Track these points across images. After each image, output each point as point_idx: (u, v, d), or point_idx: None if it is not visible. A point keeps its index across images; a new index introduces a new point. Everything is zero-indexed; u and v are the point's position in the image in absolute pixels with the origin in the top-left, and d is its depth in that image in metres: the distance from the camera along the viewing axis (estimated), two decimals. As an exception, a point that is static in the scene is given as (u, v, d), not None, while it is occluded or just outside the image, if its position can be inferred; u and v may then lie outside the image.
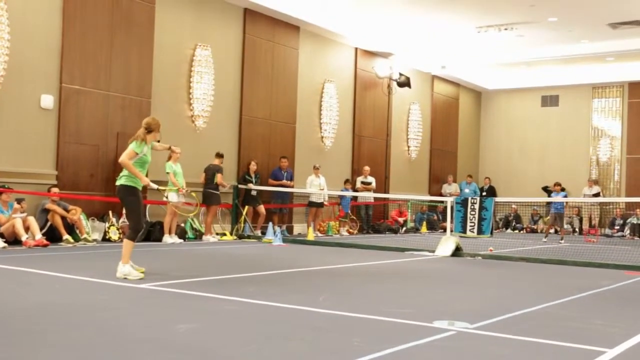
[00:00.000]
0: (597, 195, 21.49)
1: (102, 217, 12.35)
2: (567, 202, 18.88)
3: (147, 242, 12.24)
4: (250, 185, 14.73)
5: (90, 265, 8.64)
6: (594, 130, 23.36)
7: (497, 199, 14.83)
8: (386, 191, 19.71)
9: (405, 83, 19.89)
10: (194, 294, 6.36)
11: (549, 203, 18.39)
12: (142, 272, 7.37)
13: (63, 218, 11.22)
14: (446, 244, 11.87)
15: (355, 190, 18.01)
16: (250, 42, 15.57)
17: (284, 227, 15.87)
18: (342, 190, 17.24)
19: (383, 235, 17.86)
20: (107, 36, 12.68)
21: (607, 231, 21.01)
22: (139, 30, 13.21)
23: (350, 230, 17.66)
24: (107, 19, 12.67)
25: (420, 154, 21.92)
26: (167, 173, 12.47)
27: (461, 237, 12.38)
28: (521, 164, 24.55)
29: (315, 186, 16.16)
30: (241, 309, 5.76)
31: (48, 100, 11.79)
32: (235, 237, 14.22)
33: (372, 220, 18.54)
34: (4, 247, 10.07)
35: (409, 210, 20.07)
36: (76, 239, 11.30)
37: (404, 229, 19.16)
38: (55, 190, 11.41)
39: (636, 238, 19.72)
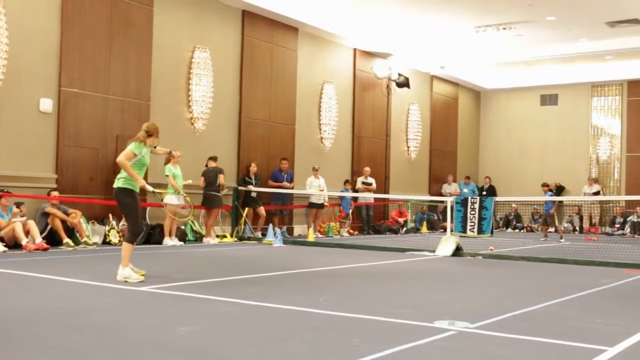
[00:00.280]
0: (597, 193, 21.49)
1: (102, 220, 12.35)
2: (557, 201, 18.89)
3: (148, 244, 12.24)
4: (250, 187, 14.73)
5: (91, 268, 8.64)
6: (594, 129, 23.36)
7: (497, 199, 14.83)
8: (386, 192, 19.71)
9: (404, 83, 19.90)
10: (195, 296, 6.36)
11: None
12: (142, 275, 7.37)
13: (63, 222, 11.23)
14: (446, 243, 11.87)
15: (355, 190, 18.02)
16: (248, 43, 15.57)
17: (284, 228, 15.88)
18: (342, 191, 17.24)
19: (383, 235, 17.86)
20: (105, 39, 12.69)
21: (608, 229, 21.01)
22: (138, 33, 13.22)
23: (351, 231, 17.66)
24: (105, 22, 12.67)
25: (420, 154, 21.93)
26: (167, 176, 12.47)
27: (461, 236, 12.38)
28: (521, 163, 24.55)
29: (315, 187, 16.17)
30: (241, 310, 5.76)
31: (47, 104, 11.79)
32: (235, 239, 14.22)
33: (372, 220, 18.54)
34: (4, 251, 10.06)
35: (409, 211, 20.07)
36: (76, 242, 11.30)
37: (404, 229, 19.16)
38: (55, 193, 11.42)
39: (636, 236, 19.72)
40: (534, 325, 5.33)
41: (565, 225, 22.06)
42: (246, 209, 14.71)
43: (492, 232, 12.44)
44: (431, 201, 20.55)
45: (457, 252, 11.74)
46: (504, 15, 16.69)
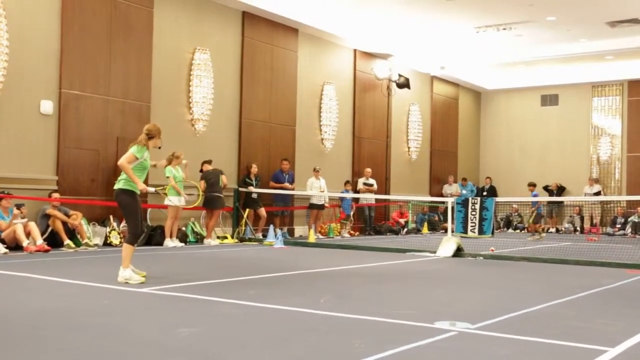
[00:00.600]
0: (598, 194, 21.48)
1: (103, 222, 12.35)
2: (541, 201, 19.02)
3: (148, 246, 12.25)
4: (251, 188, 14.73)
5: (92, 270, 8.64)
6: (594, 129, 23.35)
7: (498, 199, 14.83)
8: (387, 192, 19.71)
9: (404, 84, 19.90)
10: (195, 298, 6.36)
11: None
12: (143, 277, 7.38)
13: (64, 223, 11.23)
14: (447, 244, 11.87)
15: (356, 191, 18.02)
16: (249, 45, 15.58)
17: (285, 229, 15.88)
18: (342, 192, 17.24)
19: (384, 236, 17.86)
20: (105, 41, 12.70)
21: (609, 230, 20.99)
22: (138, 35, 13.23)
23: (352, 232, 17.66)
24: (105, 24, 12.68)
25: (420, 155, 21.93)
26: (167, 177, 12.48)
27: (462, 237, 12.37)
28: (522, 163, 24.55)
29: (316, 188, 16.17)
30: (242, 311, 5.76)
31: (47, 106, 11.80)
32: (236, 240, 14.22)
33: (373, 221, 18.54)
34: (5, 253, 10.07)
35: (410, 211, 20.06)
36: (77, 244, 11.30)
37: (405, 230, 19.15)
38: (55, 195, 11.42)
39: (637, 236, 19.70)
40: (535, 326, 5.33)
41: (567, 225, 22.06)
42: (247, 210, 14.72)
43: (493, 233, 12.43)
44: (432, 202, 20.55)
45: (458, 252, 11.73)
46: (504, 16, 16.69)
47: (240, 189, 14.79)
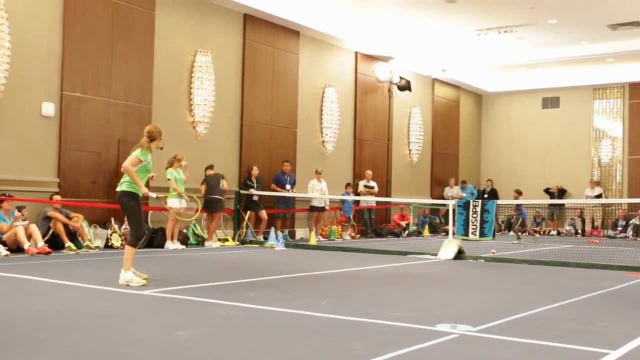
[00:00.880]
0: (599, 196, 21.47)
1: (104, 224, 12.36)
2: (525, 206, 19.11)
3: (150, 248, 12.25)
4: (252, 191, 14.73)
5: (93, 272, 8.64)
6: (595, 132, 23.35)
7: (499, 202, 14.82)
8: (388, 195, 19.70)
9: (405, 86, 19.89)
10: (196, 300, 6.36)
11: (518, 206, 18.61)
12: (144, 279, 7.38)
13: (65, 225, 11.23)
14: (448, 247, 11.86)
15: (357, 194, 18.02)
16: (250, 47, 15.60)
17: (286, 232, 15.87)
18: (343, 195, 17.24)
19: (385, 239, 17.85)
20: (107, 43, 12.71)
21: (610, 232, 20.98)
22: (139, 37, 13.24)
23: (353, 235, 17.65)
24: (107, 27, 12.70)
25: (421, 157, 21.92)
26: (168, 179, 12.48)
27: (463, 240, 12.37)
28: (523, 166, 24.54)
29: (317, 191, 16.16)
30: (243, 314, 5.76)
31: (49, 108, 11.81)
32: (237, 243, 14.22)
33: (374, 224, 18.53)
34: (6, 255, 10.07)
35: (411, 214, 20.06)
36: (78, 246, 11.31)
37: (406, 232, 19.15)
38: (57, 197, 11.42)
39: (639, 239, 19.69)
40: (536, 329, 5.32)
41: (568, 228, 22.04)
42: (248, 212, 14.72)
43: (494, 235, 12.43)
44: (433, 204, 20.54)
45: (459, 255, 11.73)
46: (505, 19, 16.70)
47: (242, 191, 14.79)
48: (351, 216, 17.60)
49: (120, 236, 12.11)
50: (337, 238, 16.84)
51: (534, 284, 8.53)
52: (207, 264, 10.26)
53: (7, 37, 11.07)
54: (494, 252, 12.42)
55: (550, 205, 21.98)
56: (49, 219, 11.22)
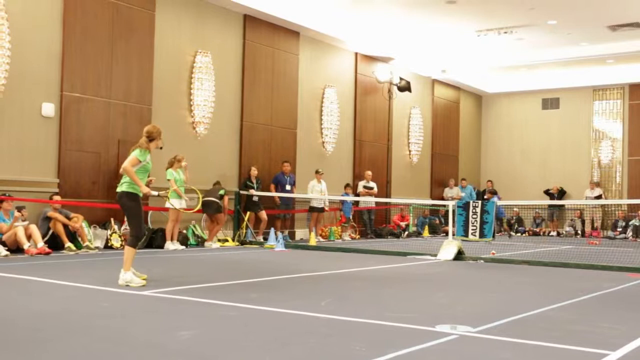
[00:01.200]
0: (599, 197, 21.47)
1: (104, 225, 12.36)
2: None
3: (149, 248, 12.25)
4: (252, 191, 14.74)
5: (92, 272, 8.64)
6: (595, 133, 23.35)
7: (499, 202, 14.81)
8: (388, 195, 19.71)
9: (405, 87, 19.90)
10: (196, 301, 6.36)
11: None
12: (144, 279, 7.38)
13: (65, 226, 11.23)
14: (448, 247, 11.86)
15: (357, 194, 18.02)
16: (250, 48, 15.60)
17: (286, 232, 15.87)
18: (342, 195, 17.24)
19: (385, 239, 17.85)
20: (107, 44, 12.72)
21: (610, 233, 20.98)
22: (139, 38, 13.25)
23: (353, 235, 17.65)
24: (107, 27, 12.70)
25: (421, 158, 21.93)
26: (168, 180, 12.49)
27: (463, 240, 12.37)
28: (523, 167, 24.55)
29: (317, 191, 16.16)
30: (243, 314, 5.76)
31: (49, 108, 11.81)
32: (237, 243, 14.22)
33: (374, 224, 18.54)
34: (6, 255, 10.08)
35: (411, 215, 20.06)
36: (78, 246, 11.31)
37: (406, 233, 19.15)
38: (57, 198, 11.43)
39: (638, 240, 19.69)
40: (536, 330, 5.32)
41: (567, 229, 22.05)
42: (248, 213, 14.72)
43: (493, 236, 12.43)
44: (433, 205, 20.54)
45: (459, 256, 11.73)
46: (505, 19, 16.70)
47: (242, 192, 14.79)
48: (350, 217, 17.60)
49: (120, 237, 12.11)
50: (337, 239, 16.84)
51: (534, 285, 8.53)
52: (206, 264, 10.26)
53: (7, 38, 11.08)
54: (493, 253, 12.42)
55: (550, 206, 21.99)
56: (48, 219, 11.22)
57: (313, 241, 14.82)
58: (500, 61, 20.95)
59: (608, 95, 23.13)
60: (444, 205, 17.81)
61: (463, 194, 21.60)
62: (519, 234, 22.22)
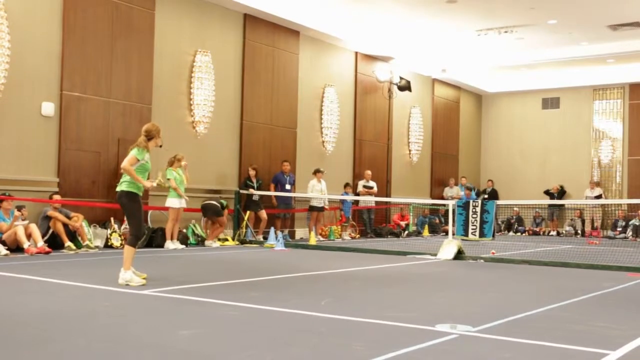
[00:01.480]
0: (599, 197, 21.47)
1: (104, 224, 12.36)
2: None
3: (149, 248, 12.25)
4: (252, 191, 14.73)
5: (92, 272, 8.64)
6: (595, 132, 23.35)
7: (499, 202, 14.81)
8: (388, 195, 19.70)
9: (405, 87, 19.89)
10: (196, 300, 6.36)
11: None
12: (144, 279, 7.38)
13: (65, 225, 11.23)
14: (448, 247, 11.86)
15: (357, 194, 18.01)
16: (250, 47, 15.59)
17: (286, 231, 15.87)
18: (342, 195, 17.23)
19: (385, 239, 17.85)
20: (107, 43, 12.71)
21: (610, 233, 20.99)
22: (139, 37, 13.24)
23: (353, 235, 17.65)
24: (107, 26, 12.70)
25: (421, 158, 21.93)
26: (168, 179, 12.49)
27: (463, 240, 12.36)
28: (523, 166, 24.55)
29: (317, 191, 16.15)
30: (243, 314, 5.76)
31: (49, 108, 11.81)
32: (237, 243, 14.22)
33: (374, 224, 18.53)
34: (6, 255, 10.08)
35: (411, 214, 20.06)
36: (78, 246, 11.31)
37: (406, 232, 19.15)
38: (57, 197, 11.42)
39: (639, 240, 19.70)
40: (536, 329, 5.32)
41: (567, 228, 22.05)
42: (247, 212, 14.72)
43: (493, 236, 12.42)
44: (433, 204, 20.54)
45: (459, 255, 11.73)
46: (505, 19, 16.70)
47: (242, 191, 14.79)
48: (350, 216, 17.60)
49: (120, 236, 12.11)
50: (337, 238, 16.84)
51: (534, 285, 8.53)
52: (206, 263, 10.26)
53: (6, 37, 11.07)
54: (493, 253, 12.42)
55: (550, 205, 21.99)
56: (48, 218, 11.22)
57: (313, 240, 14.81)
58: (501, 61, 20.95)
59: (608, 95, 23.12)
60: (444, 205, 17.81)
61: (462, 193, 21.60)
62: (519, 234, 22.23)
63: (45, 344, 4.47)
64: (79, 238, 11.44)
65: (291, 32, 16.66)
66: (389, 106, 20.18)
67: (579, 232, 21.75)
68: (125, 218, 10.63)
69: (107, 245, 12.00)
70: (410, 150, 21.51)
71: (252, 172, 14.91)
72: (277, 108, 16.32)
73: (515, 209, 22.75)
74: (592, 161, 23.27)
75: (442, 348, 4.59)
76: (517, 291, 7.97)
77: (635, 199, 18.12)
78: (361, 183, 18.35)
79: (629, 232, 20.34)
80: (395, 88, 19.93)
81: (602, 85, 22.96)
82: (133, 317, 5.61)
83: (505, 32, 17.46)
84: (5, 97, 11.15)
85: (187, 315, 5.66)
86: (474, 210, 12.37)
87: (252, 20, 15.60)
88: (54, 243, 11.07)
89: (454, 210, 12.78)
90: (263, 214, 14.93)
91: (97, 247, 11.72)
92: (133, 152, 7.51)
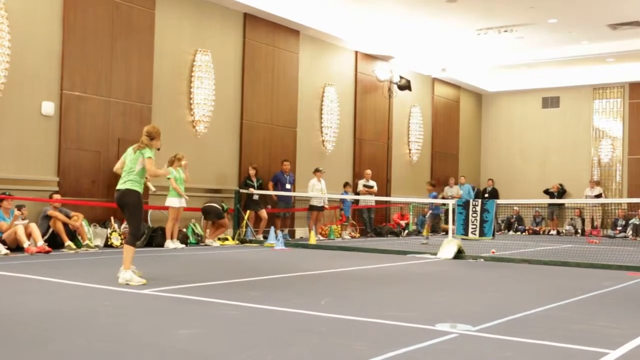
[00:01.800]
0: (599, 196, 21.47)
1: (104, 223, 12.36)
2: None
3: (149, 247, 12.25)
4: (252, 190, 14.73)
5: (92, 271, 8.64)
6: (595, 131, 23.35)
7: (499, 201, 14.81)
8: (388, 194, 19.70)
9: (405, 86, 19.89)
10: (196, 299, 6.36)
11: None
12: (140, 277, 7.38)
13: (65, 224, 11.23)
14: (448, 246, 11.86)
15: (357, 193, 18.01)
16: (250, 46, 15.59)
17: (286, 231, 15.87)
18: (342, 194, 17.23)
19: (385, 238, 17.85)
20: (107, 42, 12.71)
21: (610, 232, 20.99)
22: (139, 36, 13.24)
23: (353, 234, 17.64)
24: (107, 26, 12.70)
25: (421, 157, 21.93)
26: (168, 179, 12.49)
27: (463, 239, 12.36)
28: (522, 165, 24.55)
29: (317, 190, 16.15)
30: (243, 313, 5.76)
31: (49, 107, 11.81)
32: (237, 242, 14.22)
33: (374, 223, 18.53)
34: (6, 254, 10.08)
35: (411, 213, 20.05)
36: (78, 245, 11.31)
37: (406, 231, 19.14)
38: (57, 196, 11.43)
39: (639, 239, 19.69)
40: (536, 328, 5.32)
41: (567, 227, 22.05)
42: (247, 211, 14.72)
43: (493, 235, 12.42)
44: (433, 204, 20.48)
45: (459, 254, 11.73)
46: (505, 18, 16.70)
47: (242, 190, 14.79)
48: (350, 216, 17.59)
49: (119, 235, 12.11)
50: (337, 237, 16.83)
51: (534, 284, 8.53)
52: (206, 263, 10.26)
53: (7, 36, 11.07)
54: (493, 252, 12.42)
55: (550, 204, 21.99)
56: (48, 217, 11.22)
57: (313, 240, 14.81)
58: (501, 60, 20.95)
59: (608, 94, 23.12)
60: (444, 204, 17.78)
61: (461, 192, 21.56)
62: (519, 233, 22.22)
63: (45, 344, 4.47)
64: (79, 237, 11.44)
65: (291, 31, 16.66)
66: (389, 105, 20.17)
67: (579, 231, 21.75)
68: (125, 216, 10.65)
69: (107, 245, 12.00)
70: (410, 150, 21.51)
71: (252, 172, 14.91)
72: (277, 107, 16.32)
73: (515, 208, 22.74)
74: (592, 160, 23.27)
75: (442, 347, 4.59)
76: (517, 290, 7.97)
77: (635, 198, 18.12)
78: (361, 182, 18.35)
79: (629, 231, 20.33)
80: (395, 87, 19.92)
81: (602, 84, 22.96)
82: (133, 316, 5.61)
83: (505, 31, 17.46)
84: (6, 97, 11.15)
85: (187, 314, 5.66)
86: (474, 209, 12.36)
87: (252, 20, 15.59)
88: (54, 242, 11.07)
89: (454, 210, 12.77)
90: (263, 213, 14.93)
91: (97, 246, 11.72)
92: (149, 155, 7.52)
